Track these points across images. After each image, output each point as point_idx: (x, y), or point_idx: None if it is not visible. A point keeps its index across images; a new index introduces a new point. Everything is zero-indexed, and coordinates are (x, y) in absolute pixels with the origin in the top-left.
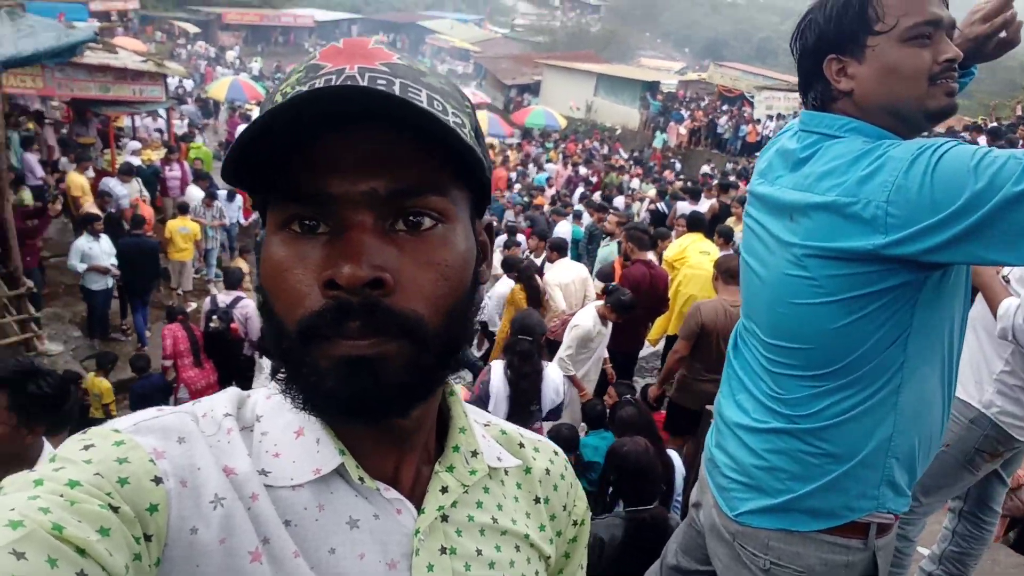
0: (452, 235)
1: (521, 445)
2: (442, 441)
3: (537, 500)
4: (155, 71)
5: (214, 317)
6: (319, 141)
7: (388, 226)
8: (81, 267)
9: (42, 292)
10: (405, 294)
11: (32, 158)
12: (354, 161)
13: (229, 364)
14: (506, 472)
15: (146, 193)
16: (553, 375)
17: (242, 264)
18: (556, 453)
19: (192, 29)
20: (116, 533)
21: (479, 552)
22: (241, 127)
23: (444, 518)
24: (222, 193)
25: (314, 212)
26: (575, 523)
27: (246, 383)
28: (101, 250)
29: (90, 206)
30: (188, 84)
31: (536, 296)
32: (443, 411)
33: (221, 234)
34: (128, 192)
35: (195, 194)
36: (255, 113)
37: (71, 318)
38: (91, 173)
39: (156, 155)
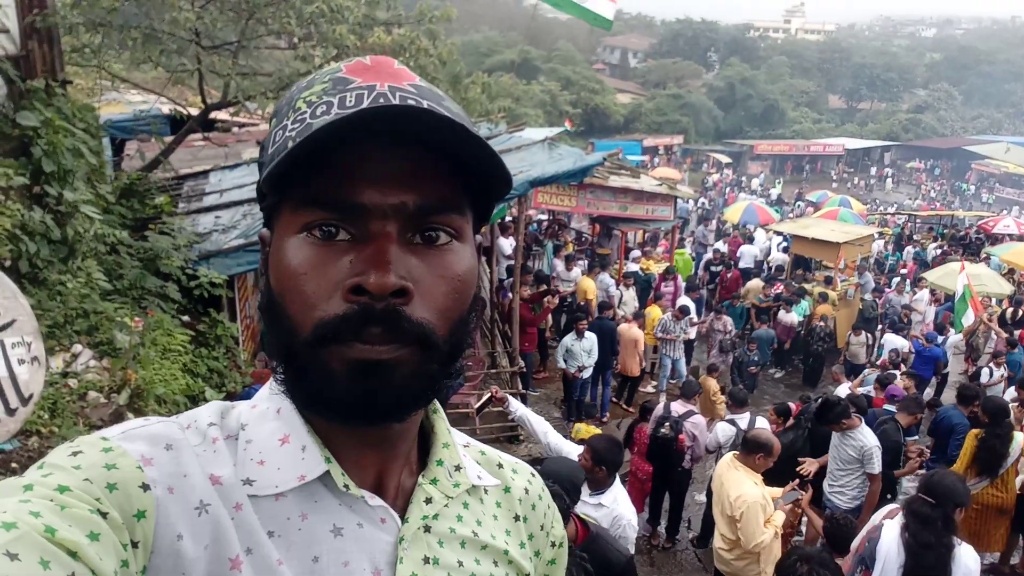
0: (464, 252)
1: (500, 466)
2: (424, 456)
3: (517, 518)
4: (667, 194)
5: (666, 424)
6: (348, 151)
7: (408, 238)
8: (560, 364)
9: (534, 373)
10: (420, 304)
11: (558, 263)
12: (386, 174)
13: (663, 470)
14: (486, 491)
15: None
16: (966, 558)
17: (711, 384)
18: (533, 475)
19: (724, 159)
20: (105, 538)
21: (460, 564)
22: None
23: (427, 529)
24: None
25: (338, 219)
26: (553, 544)
27: (678, 496)
28: (581, 348)
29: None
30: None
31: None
32: (425, 427)
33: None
34: (622, 295)
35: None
36: (758, 234)
37: (556, 400)
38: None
39: (656, 267)
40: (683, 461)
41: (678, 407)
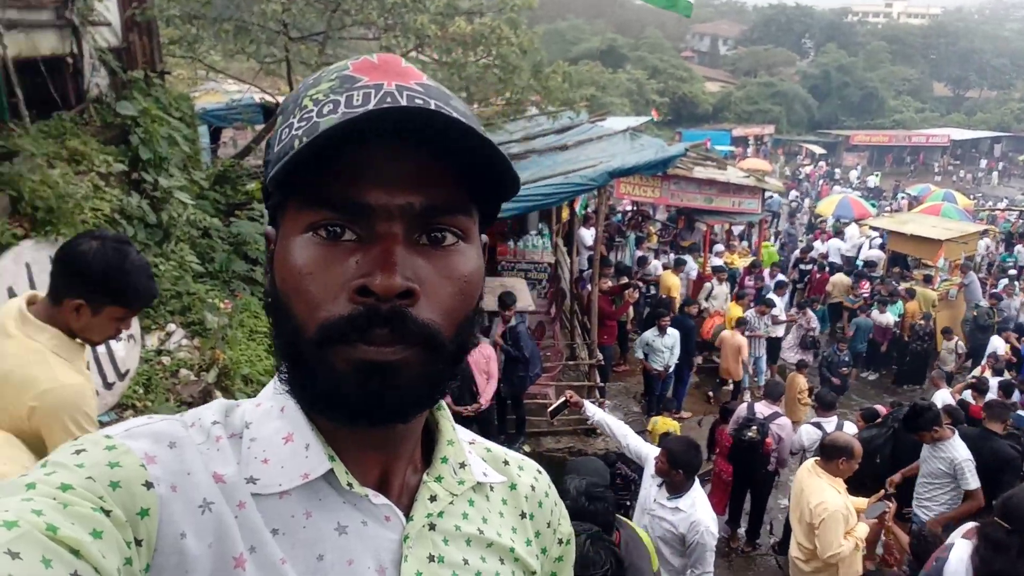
0: (470, 252)
1: (506, 463)
2: (429, 453)
3: (523, 515)
4: (755, 186)
5: (751, 426)
6: (355, 150)
7: (414, 238)
8: (641, 357)
9: (613, 366)
10: (426, 305)
11: (640, 255)
12: (393, 175)
13: (746, 473)
14: (492, 488)
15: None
16: None
17: (800, 381)
18: (540, 472)
19: (818, 151)
20: (108, 536)
21: (466, 562)
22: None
23: (432, 527)
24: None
25: (344, 219)
26: (560, 542)
27: (760, 500)
28: (662, 344)
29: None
30: (805, 201)
31: None
32: (430, 424)
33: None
34: (712, 288)
35: (776, 302)
36: (849, 230)
37: (635, 394)
38: (693, 274)
39: (741, 261)
40: (767, 464)
41: (763, 408)
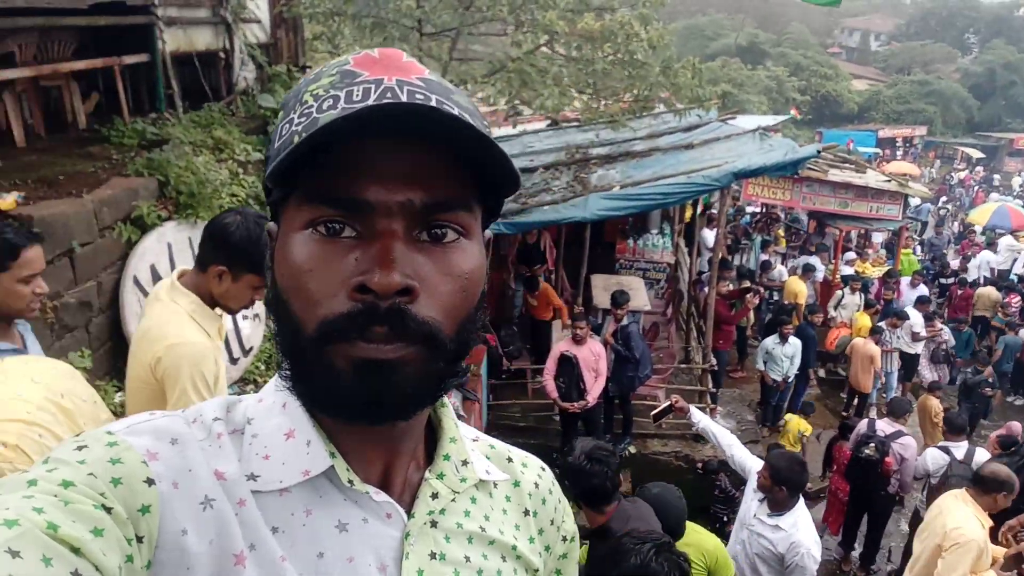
0: (472, 249)
1: (509, 460)
2: (432, 450)
3: (526, 512)
4: (896, 191)
5: (870, 444)
6: (354, 146)
7: (415, 235)
8: (760, 366)
9: (729, 372)
10: (427, 303)
11: (763, 259)
12: (393, 171)
13: (863, 493)
14: (495, 485)
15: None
16: None
17: (933, 404)
18: (544, 469)
19: (976, 154)
20: (109, 533)
21: (467, 559)
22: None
23: (433, 524)
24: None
25: (344, 216)
26: (564, 539)
27: (877, 528)
28: (782, 352)
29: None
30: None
31: None
32: (432, 422)
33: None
34: (843, 296)
35: (914, 318)
36: (1003, 241)
37: (751, 402)
38: (818, 277)
39: (874, 270)
40: (887, 485)
41: (884, 426)
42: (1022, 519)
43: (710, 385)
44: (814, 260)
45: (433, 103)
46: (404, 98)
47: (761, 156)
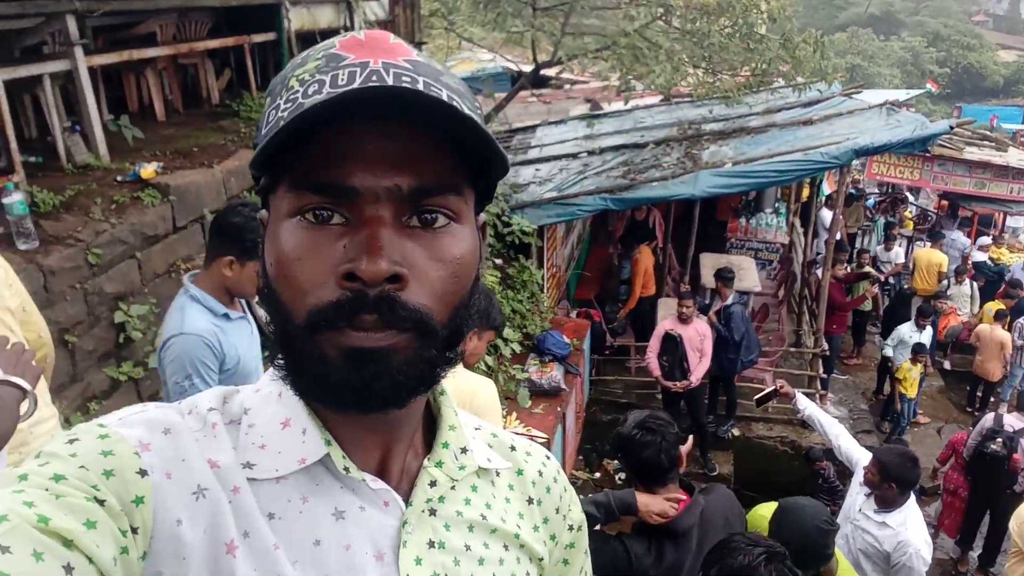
0: (463, 234)
1: (513, 448)
2: (431, 438)
3: (530, 501)
4: None
5: (997, 439)
6: (340, 132)
7: (404, 221)
8: (888, 352)
9: (843, 359)
10: (417, 289)
11: (877, 244)
12: (379, 156)
13: (986, 490)
14: (497, 473)
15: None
16: None
17: None
18: (548, 458)
19: None
20: (103, 526)
21: (468, 547)
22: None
23: (432, 512)
24: None
25: (331, 203)
26: (571, 528)
27: (1000, 528)
28: (919, 339)
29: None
30: None
31: None
32: (432, 410)
33: None
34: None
35: None
36: None
37: (865, 391)
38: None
39: (1012, 257)
40: (1014, 483)
41: (1014, 421)
42: None
43: (820, 371)
44: (956, 234)
45: (420, 85)
46: (390, 81)
47: (886, 132)
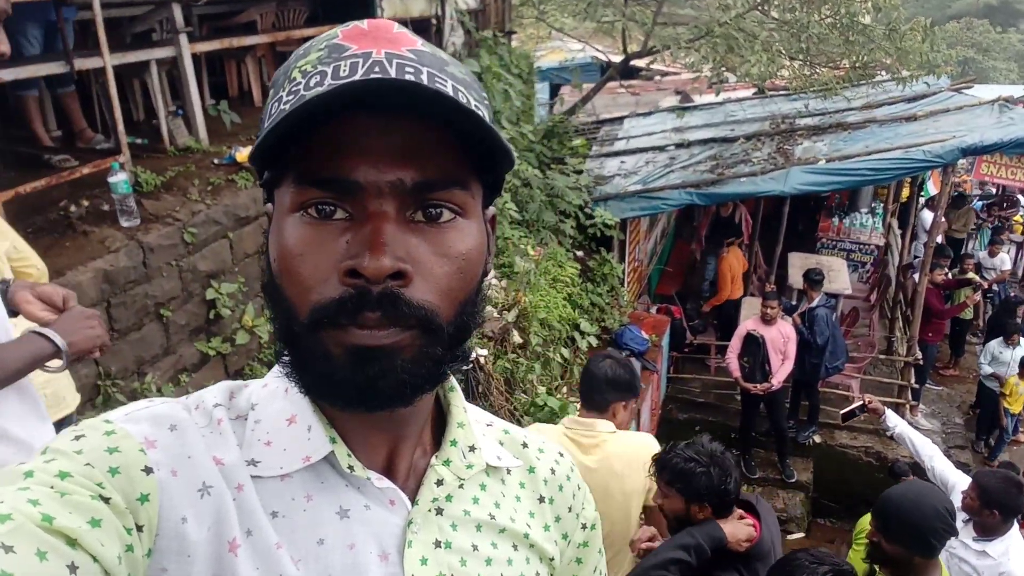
0: (469, 228)
1: (525, 445)
2: (440, 436)
3: (541, 500)
4: None
5: None
6: (342, 125)
7: (408, 216)
8: (987, 370)
9: (939, 369)
10: (422, 286)
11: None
12: (382, 150)
13: None
14: (508, 472)
15: None
16: None
17: None
18: (561, 455)
19: None
20: (107, 524)
21: (475, 547)
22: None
23: (439, 511)
24: None
25: (334, 197)
26: (584, 527)
27: None
28: (1011, 356)
29: None
30: None
31: None
32: (442, 406)
33: None
34: None
35: None
36: None
37: (960, 404)
38: None
39: None
40: None
41: None
42: None
43: (912, 381)
44: None
45: (424, 76)
46: (393, 72)
47: (997, 131)
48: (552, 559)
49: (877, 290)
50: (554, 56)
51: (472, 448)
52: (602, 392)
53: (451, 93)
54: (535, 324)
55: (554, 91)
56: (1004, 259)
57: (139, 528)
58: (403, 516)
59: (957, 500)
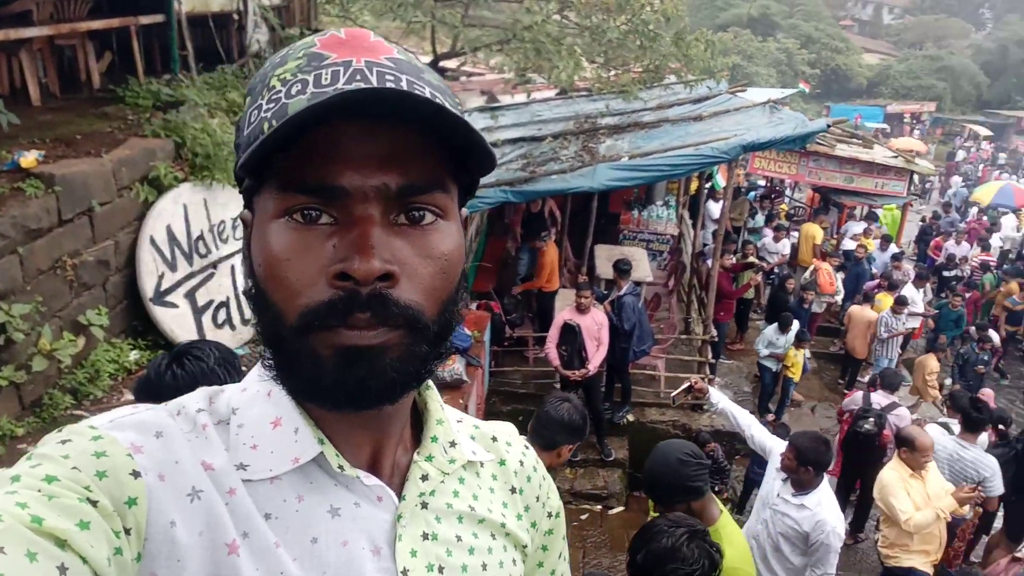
0: (449, 230)
1: (494, 439)
2: (418, 433)
3: (513, 490)
4: (902, 167)
5: (868, 419)
6: (326, 132)
7: (392, 219)
8: (764, 352)
9: (727, 344)
10: (408, 287)
11: (768, 233)
12: (366, 156)
13: (858, 465)
14: (481, 465)
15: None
16: None
17: (931, 362)
18: (527, 447)
19: (984, 132)
20: (96, 526)
21: (459, 538)
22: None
23: (424, 505)
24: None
25: (319, 203)
26: (550, 515)
27: (869, 492)
28: (784, 343)
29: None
30: (962, 190)
31: None
32: (418, 404)
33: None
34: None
35: (913, 295)
36: (1006, 220)
37: (748, 374)
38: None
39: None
40: (883, 457)
41: (879, 399)
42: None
43: (709, 356)
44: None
45: (404, 84)
46: (374, 80)
47: (771, 129)
48: (525, 546)
49: (674, 276)
50: None
51: (452, 444)
52: (554, 433)
53: (431, 100)
54: None
55: None
56: (786, 244)
57: (127, 531)
58: (391, 511)
59: (775, 463)
